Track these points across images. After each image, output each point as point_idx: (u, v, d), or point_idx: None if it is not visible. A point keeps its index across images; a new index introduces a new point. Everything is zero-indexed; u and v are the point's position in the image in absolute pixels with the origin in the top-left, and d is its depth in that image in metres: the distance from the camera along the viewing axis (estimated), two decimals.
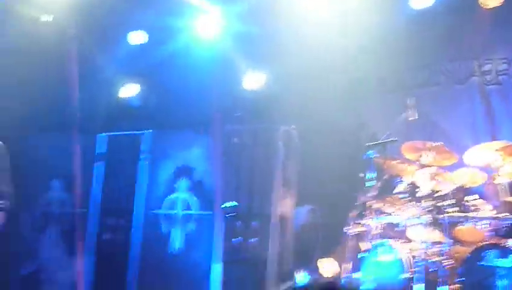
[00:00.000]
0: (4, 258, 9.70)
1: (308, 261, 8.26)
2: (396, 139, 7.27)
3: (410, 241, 7.16)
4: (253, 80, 9.23)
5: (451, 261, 6.61)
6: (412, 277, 6.66)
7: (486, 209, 6.84)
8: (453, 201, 6.95)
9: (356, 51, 8.65)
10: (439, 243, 6.83)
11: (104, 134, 9.66)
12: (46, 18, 9.07)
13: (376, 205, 7.32)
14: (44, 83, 9.14)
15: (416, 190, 7.23)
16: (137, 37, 9.33)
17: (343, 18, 8.44)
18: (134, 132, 9.53)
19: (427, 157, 7.28)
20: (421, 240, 6.88)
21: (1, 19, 8.91)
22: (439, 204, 6.95)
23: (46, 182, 9.80)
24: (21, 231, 9.83)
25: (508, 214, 6.70)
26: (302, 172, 8.73)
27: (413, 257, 6.84)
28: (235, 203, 8.73)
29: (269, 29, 8.56)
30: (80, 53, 9.20)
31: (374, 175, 7.30)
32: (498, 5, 7.85)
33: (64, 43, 9.08)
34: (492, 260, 6.28)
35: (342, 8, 8.31)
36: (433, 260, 6.69)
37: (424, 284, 6.56)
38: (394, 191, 7.37)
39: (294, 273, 8.13)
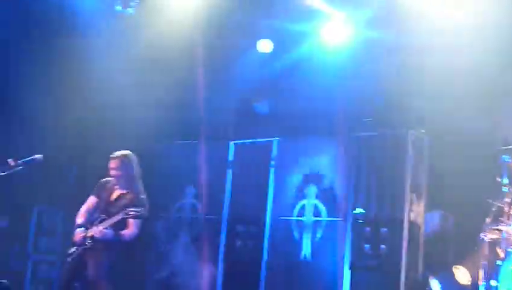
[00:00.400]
0: (140, 262, 10.04)
1: (439, 268, 8.06)
2: None
3: None
4: (381, 85, 9.14)
5: None
6: None
7: None
8: None
9: (489, 53, 8.39)
10: None
11: (233, 142, 9.81)
12: (175, 29, 9.33)
13: None
14: (175, 92, 9.41)
15: None
16: (264, 45, 9.46)
17: (475, 20, 8.21)
18: (263, 140, 9.63)
19: None
20: None
21: (132, 30, 9.25)
22: None
23: (179, 189, 10.04)
24: (155, 237, 10.12)
25: None
26: (433, 177, 8.54)
27: None
28: (363, 209, 8.65)
29: (397, 34, 8.45)
30: (209, 62, 9.41)
31: (509, 180, 7.05)
32: None
33: (193, 53, 9.31)
34: None
35: (475, 9, 8.08)
36: None
37: None
38: None
39: (428, 280, 7.96)
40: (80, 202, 7.93)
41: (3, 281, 6.51)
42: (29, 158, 7.60)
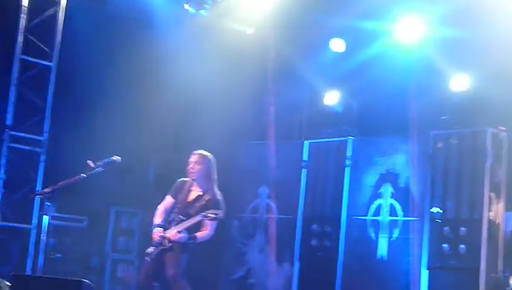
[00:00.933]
0: (215, 263, 10.12)
1: None
2: None
3: None
4: (458, 83, 9.01)
5: None
6: None
7: None
8: None
9: None
10: None
11: (308, 141, 9.79)
12: (248, 30, 9.38)
13: None
14: (249, 93, 9.45)
15: None
16: (337, 44, 9.43)
17: None
18: (338, 139, 9.58)
19: None
20: None
21: (206, 32, 9.34)
22: None
23: (253, 190, 10.08)
24: (231, 237, 10.19)
25: None
26: None
27: None
28: (440, 209, 8.52)
29: (473, 31, 8.30)
30: (282, 62, 9.43)
31: None
32: None
33: (266, 53, 9.34)
34: None
35: None
36: None
37: None
38: None
39: (508, 280, 7.80)
40: (156, 202, 8.05)
41: (85, 280, 6.64)
42: (108, 159, 7.75)
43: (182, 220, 7.60)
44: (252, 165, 10.07)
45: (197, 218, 7.49)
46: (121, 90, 10.01)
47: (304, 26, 9.17)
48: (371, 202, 9.13)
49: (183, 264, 7.65)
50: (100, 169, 7.67)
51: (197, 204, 7.67)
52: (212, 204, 7.58)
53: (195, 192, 7.79)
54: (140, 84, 10.08)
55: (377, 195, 9.10)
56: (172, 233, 7.54)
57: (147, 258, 7.68)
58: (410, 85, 8.88)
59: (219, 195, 7.75)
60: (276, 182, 9.87)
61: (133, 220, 10.79)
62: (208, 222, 7.56)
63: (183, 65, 9.59)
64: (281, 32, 9.29)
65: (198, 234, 7.59)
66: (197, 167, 7.76)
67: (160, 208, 7.86)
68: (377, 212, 9.05)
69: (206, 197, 7.68)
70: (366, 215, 9.12)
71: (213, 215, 7.41)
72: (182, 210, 7.71)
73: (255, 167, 10.05)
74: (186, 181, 7.87)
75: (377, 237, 9.00)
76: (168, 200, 7.89)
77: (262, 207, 10.03)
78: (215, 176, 7.84)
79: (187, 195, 7.80)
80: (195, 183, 7.80)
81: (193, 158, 7.80)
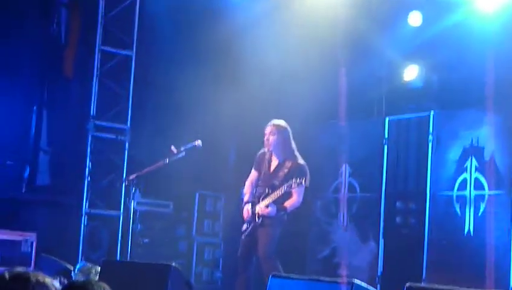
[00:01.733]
0: (302, 243, 10.15)
1: None
2: None
3: None
4: None
5: None
6: None
7: None
8: None
9: None
10: None
11: (388, 118, 9.68)
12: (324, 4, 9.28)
13: None
14: (327, 71, 9.39)
15: None
16: (415, 17, 9.27)
17: None
18: (419, 114, 9.44)
19: None
20: None
21: (280, 11, 9.31)
22: None
23: (335, 169, 10.05)
24: (315, 217, 10.19)
25: None
26: None
27: None
28: None
29: None
30: (360, 38, 9.32)
31: None
32: None
33: (343, 28, 9.24)
34: None
35: None
36: None
37: None
38: None
39: None
40: (239, 184, 8.14)
41: (173, 264, 6.78)
42: (190, 144, 7.89)
43: (268, 194, 7.64)
44: (333, 144, 10.03)
45: (282, 190, 7.52)
46: (200, 74, 10.10)
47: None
48: (455, 177, 8.95)
49: (274, 240, 7.69)
50: (183, 154, 7.82)
51: (280, 173, 7.69)
52: (295, 171, 7.57)
53: (275, 161, 7.81)
54: (218, 66, 10.15)
55: (461, 169, 8.92)
56: (261, 208, 7.58)
57: (242, 237, 7.79)
58: (492, 55, 8.64)
59: (300, 160, 7.73)
60: (358, 161, 9.81)
61: (217, 203, 10.93)
62: (294, 190, 7.57)
63: (260, 46, 9.60)
64: (358, 7, 9.18)
65: (287, 204, 7.61)
66: (272, 137, 7.77)
67: (247, 184, 7.97)
68: (462, 187, 8.88)
69: (287, 164, 7.69)
70: (451, 191, 8.96)
71: (297, 183, 7.41)
72: (267, 182, 7.76)
73: (336, 146, 10.00)
74: (266, 152, 7.90)
75: (463, 212, 8.83)
76: (253, 174, 7.98)
77: (345, 186, 9.98)
78: (293, 144, 7.83)
79: (269, 166, 7.84)
80: (274, 152, 7.82)
81: (268, 129, 7.82)
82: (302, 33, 9.35)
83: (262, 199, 7.67)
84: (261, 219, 7.62)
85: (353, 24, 9.21)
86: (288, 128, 7.83)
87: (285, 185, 7.48)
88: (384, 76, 9.84)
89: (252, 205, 7.74)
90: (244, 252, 7.79)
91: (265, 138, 7.84)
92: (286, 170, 7.64)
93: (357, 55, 9.38)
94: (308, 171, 7.65)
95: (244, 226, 7.77)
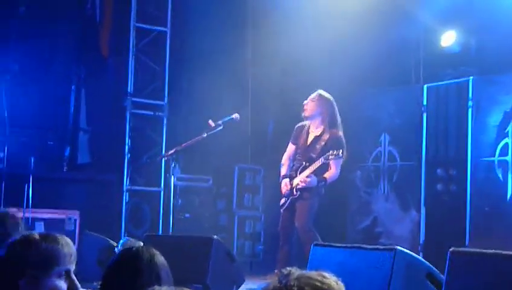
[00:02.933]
0: (342, 213, 10.14)
1: None
2: None
3: None
4: None
5: None
6: None
7: None
8: None
9: None
10: None
11: (427, 85, 9.56)
12: None
13: None
14: (363, 39, 9.29)
15: None
16: None
17: None
18: (458, 80, 9.31)
19: None
20: None
21: None
22: None
23: (374, 138, 9.98)
24: (355, 187, 10.16)
25: None
26: None
27: None
28: None
29: None
30: (396, 4, 9.20)
31: None
32: None
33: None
34: None
35: None
36: None
37: None
38: None
39: None
40: (278, 157, 8.12)
41: (215, 237, 6.82)
42: (227, 118, 7.88)
43: (305, 167, 7.61)
44: (372, 113, 9.97)
45: (319, 162, 7.47)
46: (236, 47, 10.08)
47: None
48: (497, 142, 8.83)
49: (313, 212, 7.67)
50: (221, 127, 7.81)
51: (317, 145, 7.62)
52: (332, 143, 7.51)
53: (312, 134, 7.75)
54: (255, 39, 10.12)
55: (503, 134, 8.79)
56: (301, 179, 7.56)
57: (281, 210, 7.79)
58: None
59: (338, 133, 7.65)
60: (397, 129, 9.73)
61: (256, 176, 10.94)
62: (332, 162, 7.52)
63: (297, 16, 9.54)
64: None
65: (327, 175, 7.57)
66: (312, 104, 7.67)
67: (285, 157, 7.92)
68: (504, 152, 8.76)
69: (325, 137, 7.61)
70: (493, 156, 8.85)
71: (334, 156, 7.36)
72: (304, 155, 7.71)
73: (375, 115, 9.93)
74: (304, 125, 7.84)
75: (505, 177, 8.72)
76: (290, 147, 7.93)
77: (385, 155, 9.92)
78: (336, 117, 7.74)
79: (306, 138, 7.77)
80: (311, 124, 7.75)
81: (310, 97, 7.74)
82: (339, 2, 9.26)
83: (300, 172, 7.63)
84: (299, 192, 7.60)
85: None
86: (332, 100, 7.72)
87: (323, 157, 7.44)
88: (421, 42, 9.71)
89: (290, 179, 7.72)
90: (284, 225, 7.79)
91: (305, 103, 7.72)
92: (323, 143, 7.56)
93: (394, 21, 9.26)
94: (344, 143, 7.58)
95: (283, 200, 7.75)
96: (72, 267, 2.99)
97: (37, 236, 3.02)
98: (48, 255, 2.95)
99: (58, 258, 2.96)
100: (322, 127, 7.68)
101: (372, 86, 9.90)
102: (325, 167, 7.57)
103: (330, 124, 7.67)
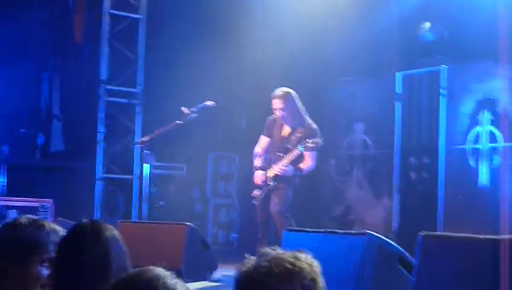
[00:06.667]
0: (316, 201, 10.19)
1: None
2: None
3: None
4: None
5: None
6: None
7: None
8: None
9: None
10: None
11: (400, 73, 9.62)
12: None
13: None
14: (335, 28, 9.32)
15: None
16: None
17: None
18: (431, 68, 9.36)
19: None
20: None
21: None
22: None
23: (348, 126, 10.03)
24: (329, 175, 10.20)
25: None
26: None
27: None
28: None
29: None
30: None
31: None
32: None
33: None
34: None
35: None
36: None
37: None
38: None
39: None
40: (253, 145, 8.12)
41: (188, 223, 6.83)
42: (201, 105, 7.86)
43: (282, 157, 7.59)
44: (345, 101, 10.00)
45: (297, 151, 7.45)
46: (210, 36, 10.06)
47: None
48: (469, 130, 8.91)
49: (287, 200, 7.67)
50: (195, 115, 7.80)
51: (293, 137, 7.62)
52: (308, 134, 7.51)
53: (288, 127, 7.74)
54: (229, 28, 10.10)
55: (475, 123, 8.88)
56: (277, 168, 7.53)
57: (255, 202, 7.76)
58: (503, 6, 8.53)
59: (313, 125, 7.66)
60: (370, 117, 9.78)
61: (232, 164, 10.95)
62: (307, 154, 7.52)
63: (271, 7, 9.55)
64: None
65: (303, 166, 7.58)
66: (280, 106, 7.62)
67: (257, 150, 7.87)
68: (476, 140, 8.85)
69: (300, 129, 7.61)
70: (465, 144, 8.94)
71: (312, 145, 7.35)
72: (279, 147, 7.69)
73: (348, 104, 9.97)
74: (276, 118, 7.82)
75: (477, 165, 8.81)
76: (263, 139, 7.87)
77: (358, 143, 9.97)
78: (303, 108, 7.73)
79: (280, 130, 7.76)
80: (285, 120, 7.74)
81: (274, 102, 7.64)
82: None
83: (276, 163, 7.61)
84: (275, 182, 7.60)
85: None
86: (292, 93, 7.65)
87: (300, 145, 7.42)
88: (394, 31, 9.76)
89: (263, 170, 7.70)
90: (262, 217, 7.78)
91: (275, 107, 7.68)
92: (299, 135, 7.56)
93: (368, 10, 9.30)
94: (320, 135, 7.59)
95: (258, 192, 7.72)
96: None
97: (24, 220, 3.00)
98: (31, 241, 2.93)
99: (41, 245, 2.93)
100: (295, 122, 7.67)
101: (346, 75, 9.93)
102: (300, 159, 7.58)
103: (301, 118, 7.64)
